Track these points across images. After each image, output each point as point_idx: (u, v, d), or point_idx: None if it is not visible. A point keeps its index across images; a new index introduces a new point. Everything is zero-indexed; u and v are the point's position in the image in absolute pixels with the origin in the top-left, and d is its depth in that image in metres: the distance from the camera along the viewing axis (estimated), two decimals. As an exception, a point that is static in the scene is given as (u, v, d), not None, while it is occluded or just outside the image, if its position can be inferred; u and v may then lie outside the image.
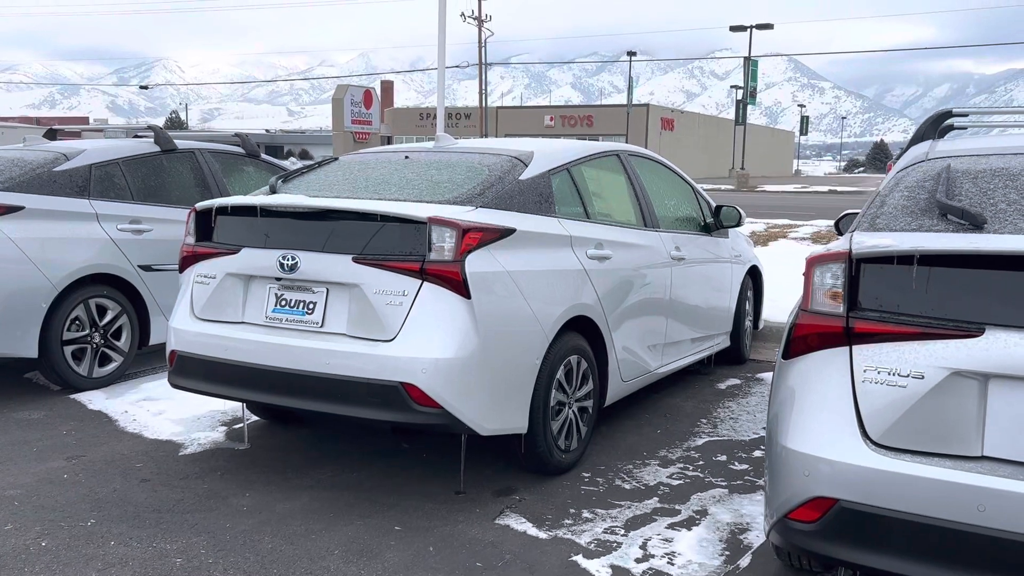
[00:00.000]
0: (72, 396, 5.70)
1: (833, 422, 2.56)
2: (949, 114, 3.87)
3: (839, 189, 39.67)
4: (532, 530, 3.70)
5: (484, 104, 53.44)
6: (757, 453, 4.71)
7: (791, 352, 2.72)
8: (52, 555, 3.44)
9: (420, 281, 3.75)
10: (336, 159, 4.94)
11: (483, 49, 51.61)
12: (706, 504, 4.00)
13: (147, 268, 6.14)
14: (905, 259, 2.52)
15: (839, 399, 2.56)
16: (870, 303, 2.59)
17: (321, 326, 3.94)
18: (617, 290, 4.71)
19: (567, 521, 3.80)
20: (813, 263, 2.71)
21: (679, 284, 5.45)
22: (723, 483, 4.27)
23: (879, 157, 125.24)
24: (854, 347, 2.57)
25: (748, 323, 6.84)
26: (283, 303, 4.06)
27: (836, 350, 2.60)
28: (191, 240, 4.39)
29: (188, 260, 4.39)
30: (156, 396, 5.67)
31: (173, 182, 6.57)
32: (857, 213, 5.05)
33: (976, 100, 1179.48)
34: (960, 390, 2.41)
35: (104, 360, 5.95)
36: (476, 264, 3.79)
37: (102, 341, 5.92)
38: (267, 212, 4.12)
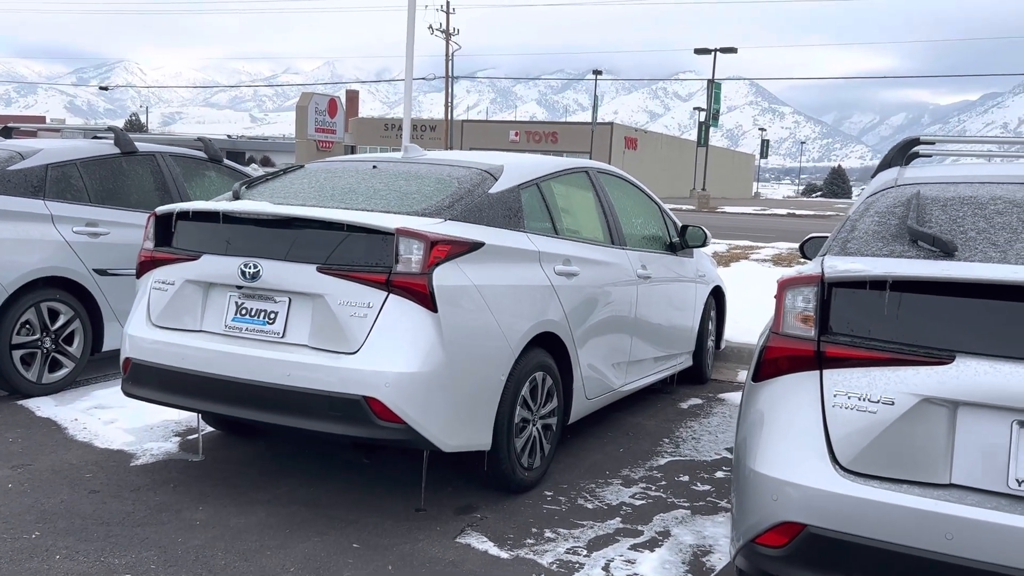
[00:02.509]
0: (20, 402, 5.52)
1: (802, 446, 2.54)
2: (916, 141, 3.90)
3: (798, 212, 40.19)
4: (493, 549, 3.64)
5: (450, 117, 53.42)
6: (719, 474, 4.70)
7: (761, 375, 2.70)
8: (-7, 569, 3.30)
9: (386, 293, 3.68)
10: (301, 167, 4.86)
11: (450, 62, 51.64)
12: (668, 525, 3.97)
13: (103, 272, 5.98)
14: (877, 284, 2.51)
15: (809, 423, 2.54)
16: (841, 327, 2.58)
17: (282, 336, 3.85)
18: (583, 307, 4.68)
19: (529, 541, 3.74)
20: (785, 286, 2.69)
21: (644, 303, 5.44)
22: (685, 504, 4.24)
23: (836, 182, 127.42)
24: (825, 371, 2.55)
25: (711, 343, 6.85)
26: (243, 312, 3.96)
27: (806, 374, 2.59)
28: (150, 245, 4.28)
29: (146, 265, 4.27)
30: (108, 404, 5.51)
31: (132, 185, 6.43)
32: (822, 237, 5.09)
33: (931, 129, 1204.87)
34: (929, 417, 2.40)
35: (54, 366, 5.78)
36: (443, 277, 3.73)
37: (53, 346, 5.75)
38: (229, 219, 4.03)
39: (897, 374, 2.45)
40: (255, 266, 3.86)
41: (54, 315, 5.76)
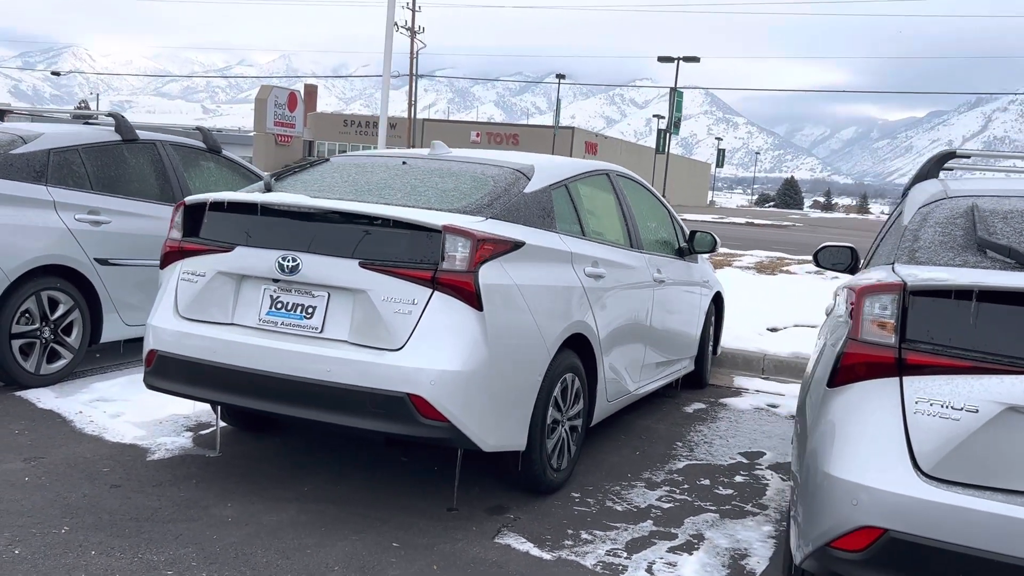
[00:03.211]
0: (18, 394, 5.37)
1: (883, 452, 2.56)
2: (952, 155, 3.98)
3: (756, 222, 40.73)
4: (534, 551, 3.62)
5: (413, 115, 53.19)
6: (738, 478, 4.73)
7: (837, 380, 2.73)
8: (29, 564, 3.20)
9: (431, 290, 3.65)
10: (327, 160, 4.80)
11: (415, 60, 51.43)
12: (700, 528, 3.99)
13: (103, 262, 5.84)
14: (963, 294, 2.55)
15: (889, 429, 2.57)
16: (921, 335, 2.62)
17: (321, 331, 3.79)
18: (609, 309, 4.69)
19: (568, 542, 3.73)
20: (864, 293, 2.72)
21: (658, 307, 5.47)
22: (712, 507, 4.26)
23: (789, 193, 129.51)
24: (905, 378, 2.58)
25: (710, 348, 6.91)
26: (279, 306, 3.89)
27: (886, 380, 2.61)
28: (177, 235, 4.18)
29: (172, 256, 4.18)
30: (110, 397, 5.38)
31: (134, 173, 6.28)
32: (837, 246, 5.16)
33: (879, 144, 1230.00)
34: (1014, 425, 2.45)
35: (53, 357, 5.63)
36: (488, 276, 3.71)
37: (52, 336, 5.60)
38: (266, 211, 3.95)
39: (981, 382, 2.49)
40: (294, 259, 3.80)
41: (54, 304, 5.61)
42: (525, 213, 4.16)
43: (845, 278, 5.65)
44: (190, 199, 4.17)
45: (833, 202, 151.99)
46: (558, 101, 60.58)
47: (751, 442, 5.45)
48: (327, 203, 3.86)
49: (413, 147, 50.62)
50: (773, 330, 8.26)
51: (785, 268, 11.07)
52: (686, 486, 4.54)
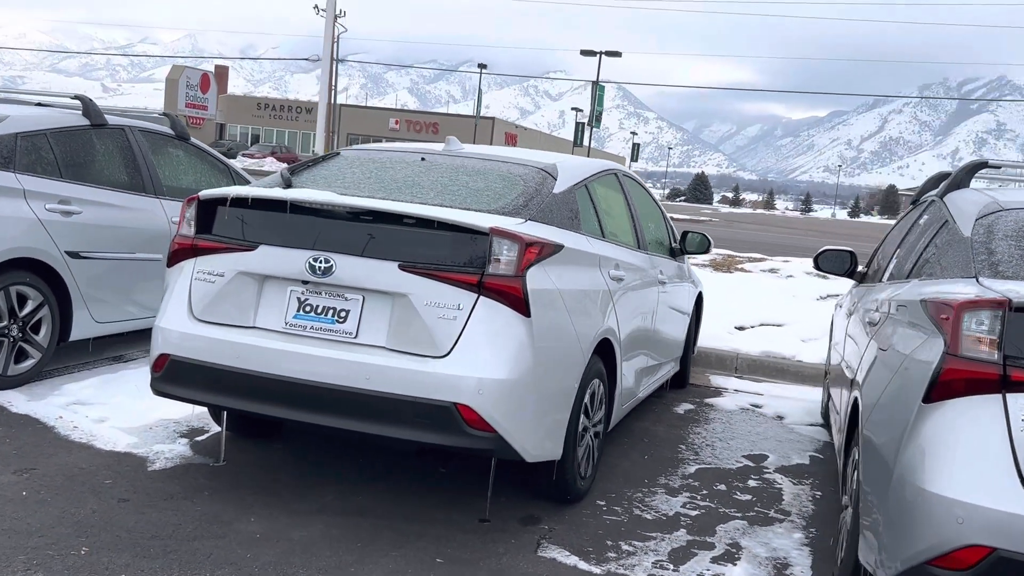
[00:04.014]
0: (-14, 396, 4.99)
1: (989, 469, 2.54)
2: (985, 164, 4.03)
3: (676, 216, 41.37)
4: (582, 564, 3.52)
5: (332, 101, 52.21)
6: (752, 483, 4.73)
7: (934, 396, 2.70)
8: (58, 592, 2.94)
9: (476, 295, 3.50)
10: (338, 154, 4.58)
11: (335, 44, 50.44)
12: (734, 537, 3.95)
13: (74, 255, 5.47)
14: None
15: (995, 447, 2.55)
16: (1021, 351, 2.61)
17: (355, 337, 3.60)
18: (628, 312, 4.62)
19: (611, 555, 3.64)
20: (963, 308, 2.69)
21: (661, 308, 5.43)
22: (737, 514, 4.24)
23: (700, 188, 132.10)
24: (1009, 395, 2.57)
25: (692, 348, 6.92)
26: (307, 309, 3.69)
27: (988, 397, 2.60)
28: (189, 231, 3.92)
29: (183, 253, 3.92)
30: (87, 400, 5.05)
31: (103, 161, 5.91)
32: (838, 250, 5.20)
33: (783, 142, 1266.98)
34: None
35: (20, 356, 5.25)
36: (535, 280, 3.58)
37: (20, 335, 5.22)
38: (295, 208, 3.73)
39: None
40: (327, 260, 3.60)
41: (22, 300, 5.22)
42: (557, 214, 4.05)
43: (843, 281, 5.72)
44: (205, 194, 3.92)
45: (741, 197, 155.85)
46: (479, 91, 60.38)
47: (751, 444, 5.46)
48: (365, 202, 3.66)
49: (332, 133, 49.51)
50: (740, 328, 8.34)
51: (740, 267, 11.24)
52: (704, 492, 4.51)
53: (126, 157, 6.09)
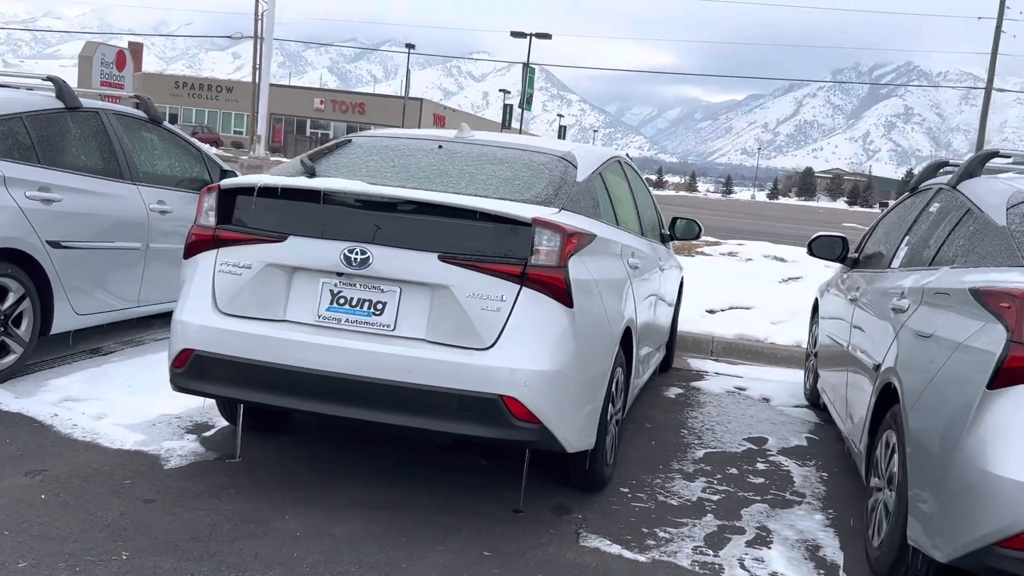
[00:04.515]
0: (-30, 394, 4.75)
1: None
2: (996, 154, 4.16)
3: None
4: (626, 553, 3.54)
5: (258, 80, 50.95)
6: (760, 465, 4.82)
7: (999, 382, 2.78)
8: (112, 600, 2.83)
9: (519, 286, 3.47)
10: (349, 141, 4.47)
11: (260, 22, 49.22)
12: (761, 520, 4.03)
13: (55, 244, 5.23)
14: None
15: None
16: None
17: (393, 329, 3.54)
18: (642, 300, 4.65)
19: (650, 542, 3.67)
20: None
21: (660, 295, 5.47)
22: (756, 497, 4.32)
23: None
24: None
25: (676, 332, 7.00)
26: (341, 301, 3.60)
27: None
28: (210, 221, 3.79)
29: (204, 245, 3.79)
30: (78, 396, 4.85)
31: (80, 146, 5.66)
32: (831, 236, 5.31)
33: (702, 125, 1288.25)
34: None
35: (2, 351, 5.01)
36: (575, 270, 3.57)
37: (2, 328, 4.98)
38: (327, 199, 3.63)
39: None
40: (363, 252, 3.52)
41: (3, 293, 4.98)
42: (583, 203, 4.04)
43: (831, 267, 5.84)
44: (227, 183, 3.79)
45: (664, 179, 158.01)
46: (408, 71, 59.81)
47: (748, 427, 5.57)
48: (404, 192, 3.59)
49: (257, 113, 48.21)
50: (711, 312, 8.47)
51: (699, 250, 11.41)
52: (719, 476, 4.58)
53: (101, 142, 5.85)
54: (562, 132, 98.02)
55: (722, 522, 3.96)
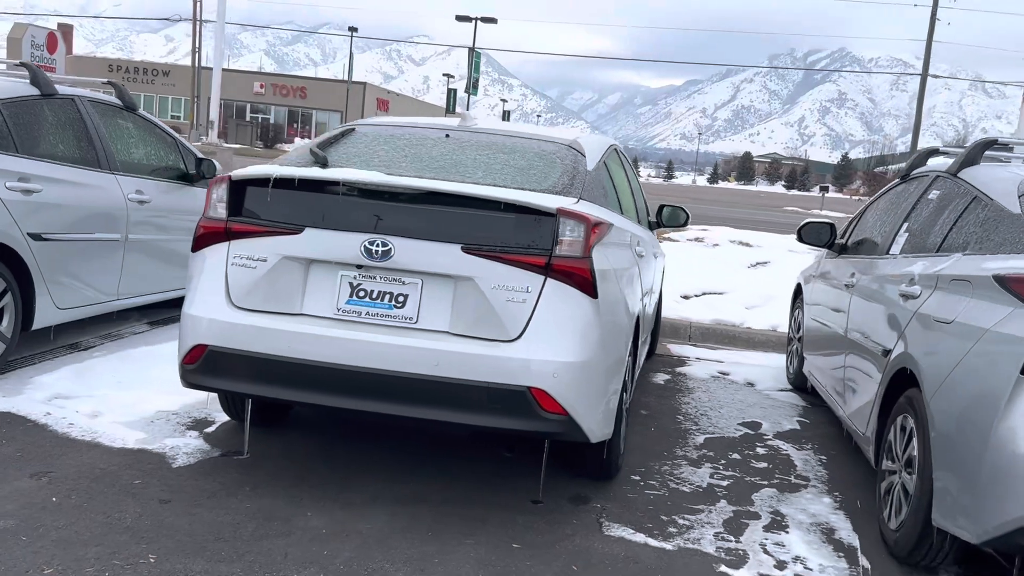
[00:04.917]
0: (-46, 393, 4.57)
1: None
2: (995, 142, 4.26)
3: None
4: (651, 541, 3.56)
5: (198, 63, 49.87)
6: (760, 450, 4.89)
7: None
8: (151, 605, 2.75)
9: (543, 277, 3.45)
10: (352, 129, 4.39)
11: (198, 5, 48.13)
12: (773, 505, 4.08)
13: (37, 237, 5.06)
14: None
15: None
16: None
17: (415, 322, 3.50)
18: (647, 288, 4.67)
19: (671, 530, 3.70)
20: None
21: (655, 281, 5.51)
22: (763, 482, 4.38)
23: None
24: None
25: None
26: (361, 294, 3.54)
27: None
28: (220, 214, 3.69)
29: (214, 237, 3.69)
30: (67, 393, 4.70)
31: (58, 134, 5.47)
32: (820, 222, 5.39)
33: (642, 110, 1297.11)
34: None
35: (-17, 348, 4.83)
36: (598, 260, 3.56)
37: (-17, 324, 4.80)
38: (348, 189, 3.56)
39: None
40: (385, 244, 3.46)
41: (-15, 287, 4.80)
42: (595, 192, 4.03)
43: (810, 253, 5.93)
44: (237, 174, 3.69)
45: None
46: (351, 55, 59.04)
47: (740, 412, 5.64)
48: (425, 183, 3.54)
49: (197, 98, 47.15)
50: (686, 297, 8.56)
51: (666, 236, 11.50)
52: (723, 461, 4.63)
53: (78, 130, 5.65)
54: (506, 117, 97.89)
55: (736, 508, 4.00)
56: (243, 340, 3.55)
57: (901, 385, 3.76)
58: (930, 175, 4.61)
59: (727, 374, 6.68)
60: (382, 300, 3.53)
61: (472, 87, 51.51)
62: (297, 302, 3.57)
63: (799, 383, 6.24)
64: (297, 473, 3.94)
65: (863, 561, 3.56)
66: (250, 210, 3.67)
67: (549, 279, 3.45)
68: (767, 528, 3.80)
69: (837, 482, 4.48)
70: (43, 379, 4.88)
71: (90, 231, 5.50)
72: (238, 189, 3.68)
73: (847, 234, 5.68)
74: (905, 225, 4.52)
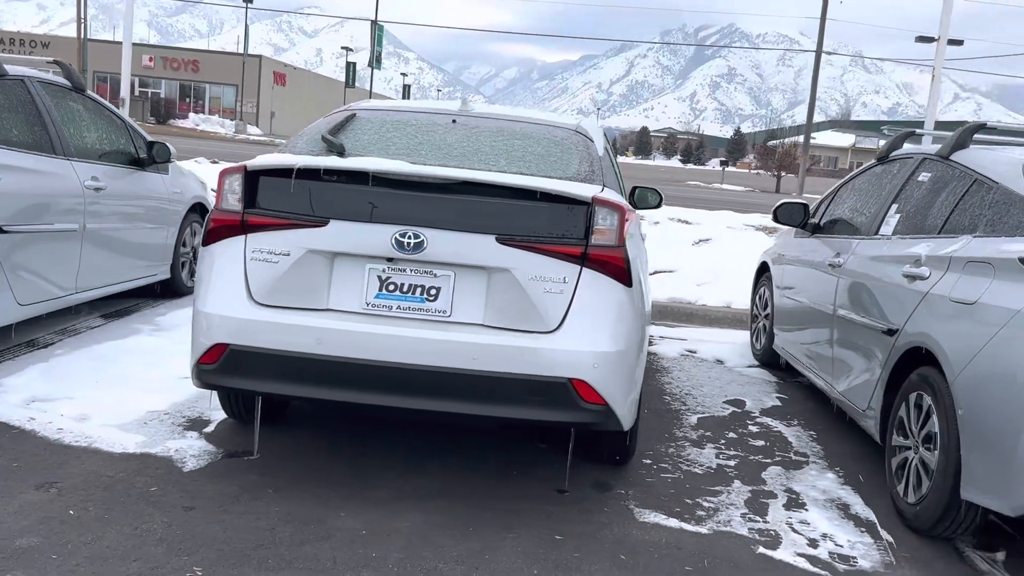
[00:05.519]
0: (-79, 400, 4.25)
1: None
2: (984, 126, 4.41)
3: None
4: (686, 526, 3.60)
5: (83, 36, 47.48)
6: (753, 428, 4.99)
7: None
8: (217, 622, 2.63)
9: (579, 267, 3.42)
10: (353, 115, 4.24)
11: (83, -26, 45.68)
12: (785, 483, 4.18)
13: (-1, 229, 4.74)
14: None
15: None
16: None
17: (449, 315, 3.42)
18: (644, 276, 4.67)
19: (700, 513, 3.75)
20: None
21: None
22: (767, 460, 4.48)
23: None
24: None
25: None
26: (391, 288, 3.44)
27: None
28: (234, 206, 3.52)
29: (229, 230, 3.52)
30: (44, 396, 4.44)
31: (9, 118, 5.10)
32: (795, 203, 5.52)
33: (539, 85, 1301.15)
34: None
35: (-54, 349, 4.51)
36: (630, 249, 3.55)
37: (-54, 325, 4.48)
38: (376, 180, 3.44)
39: None
40: (416, 236, 3.37)
41: (-55, 285, 4.47)
42: (610, 179, 4.01)
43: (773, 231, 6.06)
44: (253, 164, 3.52)
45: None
46: (246, 27, 57.21)
47: (720, 390, 5.75)
48: (459, 172, 3.44)
49: (83, 72, 44.94)
50: (638, 276, 8.64)
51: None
52: (723, 442, 4.71)
53: (30, 113, 5.30)
54: (406, 92, 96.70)
55: (752, 487, 4.08)
56: (269, 338, 3.40)
57: (912, 363, 3.88)
58: (915, 157, 4.75)
59: (695, 352, 6.79)
60: (413, 293, 3.44)
61: (376, 61, 50.66)
62: (323, 297, 3.45)
63: (768, 359, 6.40)
64: (317, 472, 3.82)
65: (885, 535, 3.69)
66: (268, 202, 3.51)
67: (585, 269, 3.42)
68: (787, 507, 3.89)
69: (834, 457, 4.61)
70: (11, 381, 4.60)
71: (49, 221, 5.18)
72: (252, 180, 3.52)
73: (819, 213, 5.83)
74: (895, 207, 4.65)
